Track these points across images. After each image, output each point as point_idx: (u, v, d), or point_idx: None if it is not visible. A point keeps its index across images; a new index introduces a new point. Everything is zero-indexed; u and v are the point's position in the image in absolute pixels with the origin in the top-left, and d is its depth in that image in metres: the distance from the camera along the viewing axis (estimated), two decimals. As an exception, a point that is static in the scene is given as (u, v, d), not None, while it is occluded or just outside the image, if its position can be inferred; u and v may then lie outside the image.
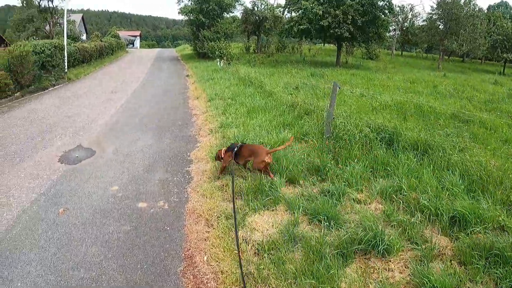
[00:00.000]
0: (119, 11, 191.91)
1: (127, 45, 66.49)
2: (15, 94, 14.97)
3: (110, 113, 12.19)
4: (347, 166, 6.57)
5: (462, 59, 58.14)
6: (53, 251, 4.63)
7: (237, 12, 39.81)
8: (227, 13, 36.38)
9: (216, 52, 23.42)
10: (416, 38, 54.96)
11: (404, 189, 5.71)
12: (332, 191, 5.69)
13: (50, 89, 17.55)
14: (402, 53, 66.66)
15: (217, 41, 29.35)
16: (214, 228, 5.09)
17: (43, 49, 19.00)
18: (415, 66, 39.86)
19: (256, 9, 41.77)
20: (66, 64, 21.74)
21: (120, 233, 5.05)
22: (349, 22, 27.53)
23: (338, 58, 33.06)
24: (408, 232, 4.69)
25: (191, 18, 35.28)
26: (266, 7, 41.23)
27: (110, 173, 7.11)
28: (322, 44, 54.97)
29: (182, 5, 35.63)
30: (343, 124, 8.05)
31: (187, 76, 22.39)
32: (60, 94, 16.11)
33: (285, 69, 24.22)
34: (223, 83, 16.50)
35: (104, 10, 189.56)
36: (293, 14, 31.49)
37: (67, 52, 22.05)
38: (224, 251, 4.55)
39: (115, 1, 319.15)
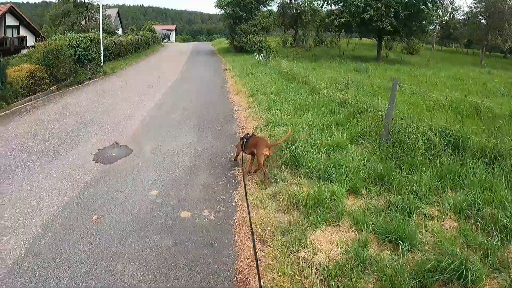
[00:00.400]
0: (154, 6, 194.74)
1: (163, 39, 66.74)
2: (51, 88, 14.81)
3: (147, 109, 11.72)
4: (412, 174, 5.75)
5: (504, 55, 55.08)
6: (85, 268, 4.06)
7: (274, 6, 38.71)
8: (264, 6, 35.55)
9: (255, 46, 22.72)
10: (457, 33, 52.67)
11: (479, 204, 4.89)
12: (401, 205, 4.91)
13: (86, 83, 17.35)
14: (442, 48, 64.17)
15: (255, 34, 28.69)
16: (268, 246, 4.40)
17: (78, 43, 18.77)
18: (457, 61, 37.91)
19: (293, 2, 40.81)
20: (102, 58, 21.53)
21: (161, 249, 4.44)
22: (392, 15, 26.27)
23: (379, 53, 31.78)
24: (490, 257, 3.95)
25: (228, 11, 34.69)
26: (303, 0, 40.20)
27: (149, 175, 6.54)
28: (359, 38, 53.38)
29: None
30: (403, 125, 7.17)
31: (225, 70, 21.79)
32: (96, 88, 15.85)
33: (325, 63, 23.33)
34: (264, 78, 15.81)
35: (139, 5, 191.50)
36: (333, 7, 30.45)
37: (103, 46, 21.88)
38: (283, 276, 3.87)
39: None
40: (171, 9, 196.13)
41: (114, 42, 26.80)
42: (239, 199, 5.65)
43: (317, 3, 39.93)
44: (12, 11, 36.81)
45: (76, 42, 18.68)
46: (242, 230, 4.82)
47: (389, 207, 4.98)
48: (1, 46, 33.78)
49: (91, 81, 17.90)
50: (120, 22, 64.33)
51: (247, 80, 15.98)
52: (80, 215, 5.14)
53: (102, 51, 21.43)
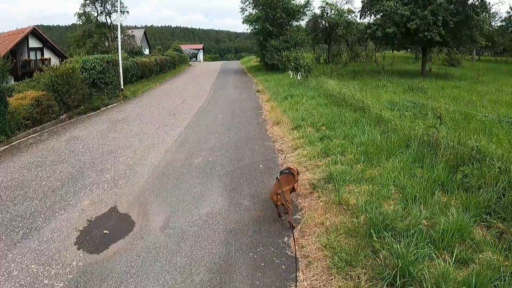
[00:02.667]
0: (181, 26, 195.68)
1: (190, 58, 65.40)
2: (61, 117, 13.18)
3: (165, 147, 9.21)
4: None
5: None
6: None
7: (303, 21, 35.92)
8: (296, 21, 33.02)
9: (291, 63, 20.05)
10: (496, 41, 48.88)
11: None
12: None
13: (102, 109, 15.65)
14: (479, 57, 59.84)
15: (288, 50, 26.17)
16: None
17: (93, 65, 16.88)
18: (502, 72, 34.02)
19: (325, 15, 38.27)
20: (121, 80, 19.59)
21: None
22: (440, 24, 23.19)
23: (424, 66, 28.62)
24: None
25: (257, 27, 32.24)
26: (336, 13, 37.58)
27: (153, 282, 3.94)
28: (390, 51, 49.99)
29: (246, 13, 32.84)
30: None
31: (258, 91, 19.21)
32: (111, 116, 13.81)
33: (368, 80, 20.48)
34: (308, 102, 13.16)
35: (167, 25, 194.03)
36: (372, 17, 27.62)
37: (122, 67, 19.84)
38: None
39: (178, 16, 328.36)
40: (198, 28, 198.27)
41: (136, 63, 24.90)
42: None
43: (352, 15, 37.49)
44: (35, 33, 36.13)
45: (90, 64, 16.88)
46: None
47: None
48: (24, 69, 32.97)
49: (108, 106, 16.29)
50: (147, 42, 63.59)
51: (287, 105, 13.34)
52: None
53: (121, 73, 19.47)
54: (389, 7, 22.93)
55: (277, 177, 5.44)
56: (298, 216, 5.26)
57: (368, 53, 43.38)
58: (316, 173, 6.52)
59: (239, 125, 11.60)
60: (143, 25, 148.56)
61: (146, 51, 50.37)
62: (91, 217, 5.60)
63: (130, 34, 42.50)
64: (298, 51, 20.01)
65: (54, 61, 36.72)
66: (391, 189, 5.39)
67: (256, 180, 6.85)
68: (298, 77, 17.99)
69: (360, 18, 27.85)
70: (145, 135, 10.53)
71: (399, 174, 5.84)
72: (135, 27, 67.78)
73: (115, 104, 16.87)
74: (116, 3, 38.24)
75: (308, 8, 32.66)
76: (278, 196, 5.03)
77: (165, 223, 5.35)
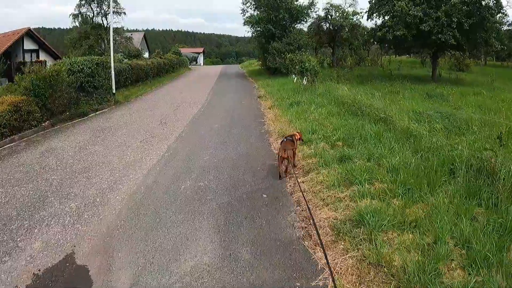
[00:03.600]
0: (182, 30, 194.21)
1: (190, 62, 63.98)
2: (43, 124, 11.91)
3: (148, 166, 7.66)
4: None
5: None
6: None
7: (303, 25, 34.11)
8: (299, 23, 31.39)
9: (297, 67, 18.34)
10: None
11: None
12: None
13: (90, 115, 14.23)
14: (486, 62, 58.21)
15: (292, 53, 24.64)
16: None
17: (81, 67, 15.52)
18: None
19: (329, 17, 36.79)
20: (113, 84, 18.23)
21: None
22: (454, 26, 21.68)
23: (434, 71, 27.08)
24: None
25: (258, 29, 30.64)
26: (341, 15, 36.07)
27: None
28: (394, 56, 48.35)
29: (247, 14, 31.25)
30: None
31: (259, 97, 17.63)
32: (97, 124, 12.30)
33: (381, 87, 18.95)
34: (317, 111, 11.58)
35: (168, 29, 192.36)
36: (380, 19, 26.10)
37: (115, 70, 18.42)
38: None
39: (180, 19, 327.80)
40: (200, 32, 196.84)
41: (130, 66, 23.41)
42: None
43: (357, 17, 36.03)
44: (30, 34, 34.48)
45: (78, 66, 15.53)
46: None
47: None
48: (20, 72, 31.32)
49: (97, 112, 14.83)
50: (147, 45, 62.27)
51: (293, 113, 11.78)
52: None
53: (113, 77, 18.12)
54: (400, 7, 21.40)
55: (282, 141, 6.94)
56: (319, 283, 3.68)
57: (373, 57, 41.87)
58: (339, 210, 4.91)
59: (238, 137, 10.02)
60: (144, 29, 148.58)
61: (146, 55, 48.94)
62: (39, 269, 4.16)
63: (128, 37, 40.90)
64: (303, 53, 18.22)
65: (50, 63, 35.21)
66: (448, 244, 3.81)
67: (259, 218, 5.20)
68: (304, 82, 16.40)
69: (367, 20, 26.32)
70: (128, 149, 9.01)
71: (454, 217, 4.27)
72: (136, 30, 66.38)
73: (105, 110, 15.43)
74: (113, 4, 37.04)
75: (313, 10, 31.09)
76: (287, 151, 6.44)
77: (132, 285, 3.79)
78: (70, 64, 15.44)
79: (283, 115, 11.82)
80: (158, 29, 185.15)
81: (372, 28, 27.53)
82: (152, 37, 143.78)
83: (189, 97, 19.11)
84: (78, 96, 14.90)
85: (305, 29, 34.87)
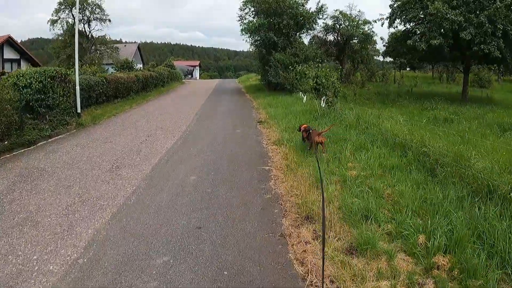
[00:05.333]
0: (181, 44, 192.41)
1: (185, 75, 60.10)
2: None
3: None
4: None
5: None
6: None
7: (304, 37, 29.66)
8: (306, 31, 27.02)
9: (311, 83, 13.52)
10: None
11: None
12: None
13: (40, 143, 10.70)
14: (502, 77, 54.24)
15: (301, 66, 20.38)
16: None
17: (29, 81, 12.03)
18: None
19: (337, 26, 32.75)
20: (78, 102, 14.45)
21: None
22: (500, 35, 17.55)
23: (465, 89, 22.90)
24: None
25: (258, 38, 26.20)
26: (351, 23, 31.97)
27: None
28: (399, 70, 44.18)
29: (246, 21, 26.85)
30: None
31: (260, 122, 13.26)
32: (30, 163, 8.54)
33: (416, 109, 14.76)
34: (359, 158, 7.26)
35: (166, 42, 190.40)
36: (404, 26, 21.99)
37: (83, 85, 15.39)
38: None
39: (179, 33, 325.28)
40: (198, 46, 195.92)
41: (105, 79, 19.18)
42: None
43: (368, 27, 32.03)
44: (11, 42, 31.22)
45: (26, 80, 12.19)
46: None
47: None
48: (-4, 84, 27.21)
49: (50, 140, 11.29)
50: (141, 57, 59.27)
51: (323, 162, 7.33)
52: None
53: (78, 93, 14.40)
54: (436, 10, 17.16)
55: (308, 131, 8.39)
56: None
57: (385, 72, 37.79)
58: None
59: (225, 214, 5.51)
60: (143, 41, 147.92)
61: (140, 66, 44.91)
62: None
63: (114, 47, 36.72)
64: (320, 65, 13.59)
65: None
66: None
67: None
68: (322, 104, 11.98)
69: (388, 27, 22.04)
70: (32, 229, 4.77)
71: None
72: (131, 43, 62.84)
73: (62, 136, 11.80)
74: (97, 9, 33.09)
75: (321, 16, 26.69)
76: (320, 137, 7.82)
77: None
78: (17, 77, 12.16)
79: (301, 163, 7.34)
80: (157, 42, 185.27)
81: (394, 37, 23.31)
82: (151, 50, 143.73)
83: (169, 120, 14.86)
84: (23, 119, 11.20)
85: (306, 41, 30.44)
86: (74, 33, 32.46)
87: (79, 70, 20.63)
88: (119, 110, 18.03)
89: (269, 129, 11.76)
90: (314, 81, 12.48)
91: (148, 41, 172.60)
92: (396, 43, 23.04)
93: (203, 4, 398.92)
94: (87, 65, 24.15)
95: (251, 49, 29.08)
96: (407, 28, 21.90)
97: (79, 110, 14.56)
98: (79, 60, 30.14)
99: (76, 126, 13.40)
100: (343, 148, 7.81)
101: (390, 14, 21.65)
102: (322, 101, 11.96)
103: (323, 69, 12.91)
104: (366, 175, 6.20)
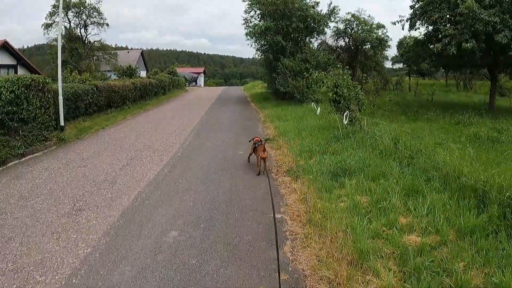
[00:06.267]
0: (187, 51, 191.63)
1: (189, 82, 58.29)
2: None
3: None
4: None
5: None
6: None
7: (315, 41, 27.51)
8: (318, 35, 24.65)
9: (330, 94, 10.77)
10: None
11: None
12: None
13: (11, 163, 9.21)
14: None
15: (307, 73, 18.24)
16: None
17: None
18: None
19: (349, 31, 30.66)
20: (61, 114, 12.77)
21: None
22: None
23: (493, 98, 20.75)
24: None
25: (264, 43, 23.90)
26: (364, 27, 29.86)
27: None
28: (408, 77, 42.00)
29: (251, 24, 24.52)
30: None
31: (267, 140, 11.02)
32: None
33: (445, 125, 12.64)
34: (416, 208, 4.99)
35: (172, 49, 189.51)
36: (426, 28, 19.83)
37: (69, 94, 14.03)
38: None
39: (183, 40, 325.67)
40: (204, 53, 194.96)
41: (96, 87, 17.33)
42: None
43: (382, 31, 29.93)
44: (6, 47, 29.81)
45: None
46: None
47: None
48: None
49: (24, 158, 9.75)
50: (145, 63, 58.29)
51: (356, 212, 5.13)
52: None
53: (61, 104, 12.76)
54: (467, 8, 14.98)
55: (255, 146, 8.19)
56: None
57: (399, 79, 35.64)
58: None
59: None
60: (149, 48, 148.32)
61: (143, 73, 43.11)
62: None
63: (112, 53, 34.82)
64: (342, 73, 10.91)
65: None
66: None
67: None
68: (345, 121, 9.70)
69: (409, 30, 19.86)
70: None
71: None
72: (136, 49, 61.67)
73: (38, 154, 10.25)
74: (94, 13, 31.29)
75: (333, 19, 24.47)
76: (265, 153, 7.81)
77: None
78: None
79: (329, 213, 5.06)
80: (162, 49, 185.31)
81: (417, 41, 21.11)
82: (156, 57, 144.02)
83: (162, 135, 12.88)
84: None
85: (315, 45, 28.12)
86: (70, 37, 30.92)
87: (66, 78, 18.87)
88: (111, 121, 16.27)
89: (279, 151, 9.59)
90: (333, 92, 10.24)
91: (154, 48, 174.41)
92: (417, 47, 20.78)
93: (207, 11, 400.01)
94: (77, 72, 22.12)
95: (256, 55, 26.78)
96: (428, 31, 19.79)
97: (62, 123, 12.78)
98: (75, 67, 28.34)
99: (57, 141, 11.70)
100: (387, 192, 5.56)
101: (411, 15, 19.49)
102: (344, 118, 9.72)
103: (344, 76, 10.60)
104: (432, 244, 4.04)
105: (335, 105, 10.34)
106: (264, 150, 7.71)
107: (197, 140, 12.00)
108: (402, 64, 43.91)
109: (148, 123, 16.04)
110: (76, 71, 22.52)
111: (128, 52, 57.03)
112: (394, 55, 42.74)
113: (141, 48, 65.36)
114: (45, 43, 31.41)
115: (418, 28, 19.63)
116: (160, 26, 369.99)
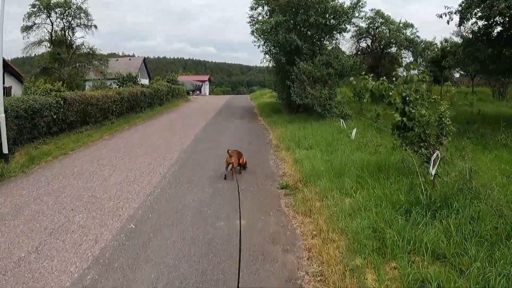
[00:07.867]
0: (194, 59, 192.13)
1: (192, 91, 54.36)
2: None
3: None
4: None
5: None
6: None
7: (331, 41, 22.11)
8: (339, 33, 20.01)
9: (395, 116, 6.48)
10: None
11: None
12: None
13: None
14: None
15: (329, 80, 14.05)
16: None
17: None
18: None
19: (372, 30, 26.49)
20: (3, 139, 9.74)
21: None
22: None
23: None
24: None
25: (274, 44, 19.19)
26: (390, 26, 25.64)
27: None
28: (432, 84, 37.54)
29: (259, 18, 20.27)
30: None
31: (284, 188, 6.95)
32: None
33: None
34: None
35: (179, 57, 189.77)
36: (479, 22, 15.47)
37: (14, 112, 10.72)
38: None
39: (190, 48, 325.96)
40: (211, 61, 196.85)
41: (63, 100, 13.62)
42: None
43: (411, 31, 25.70)
44: None
45: None
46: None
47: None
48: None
49: None
50: (147, 71, 55.21)
51: None
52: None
53: (3, 124, 9.81)
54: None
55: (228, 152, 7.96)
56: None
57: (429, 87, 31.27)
58: None
59: None
60: (155, 57, 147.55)
61: (145, 81, 39.45)
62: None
63: (103, 60, 30.83)
64: (416, 78, 6.89)
65: (16, 90, 25.98)
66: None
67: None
68: (432, 171, 4.94)
69: (459, 25, 15.58)
70: None
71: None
72: (139, 56, 59.12)
73: None
74: (81, 13, 27.48)
75: (357, 14, 19.86)
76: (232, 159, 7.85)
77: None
78: None
79: None
80: (169, 57, 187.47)
81: (468, 39, 16.78)
82: (163, 65, 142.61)
83: (139, 165, 9.15)
84: None
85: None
86: (53, 42, 27.08)
87: (28, 88, 15.22)
88: (80, 143, 12.70)
89: (310, 219, 5.30)
90: (401, 113, 5.78)
91: (161, 56, 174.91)
92: (470, 46, 16.28)
93: (214, 19, 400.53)
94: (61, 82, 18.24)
95: (264, 60, 21.79)
96: (479, 27, 15.51)
97: (5, 150, 9.70)
98: (59, 76, 24.43)
99: (-9, 177, 8.23)
100: None
101: (463, 6, 15.07)
102: (431, 164, 5.22)
103: (419, 87, 6.04)
104: None
105: (402, 133, 5.94)
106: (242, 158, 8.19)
107: (182, 174, 7.89)
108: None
109: (128, 145, 12.31)
110: (59, 81, 18.67)
111: (129, 59, 54.33)
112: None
113: (141, 56, 62.59)
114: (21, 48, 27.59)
115: (476, 22, 15.25)
116: (166, 34, 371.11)
